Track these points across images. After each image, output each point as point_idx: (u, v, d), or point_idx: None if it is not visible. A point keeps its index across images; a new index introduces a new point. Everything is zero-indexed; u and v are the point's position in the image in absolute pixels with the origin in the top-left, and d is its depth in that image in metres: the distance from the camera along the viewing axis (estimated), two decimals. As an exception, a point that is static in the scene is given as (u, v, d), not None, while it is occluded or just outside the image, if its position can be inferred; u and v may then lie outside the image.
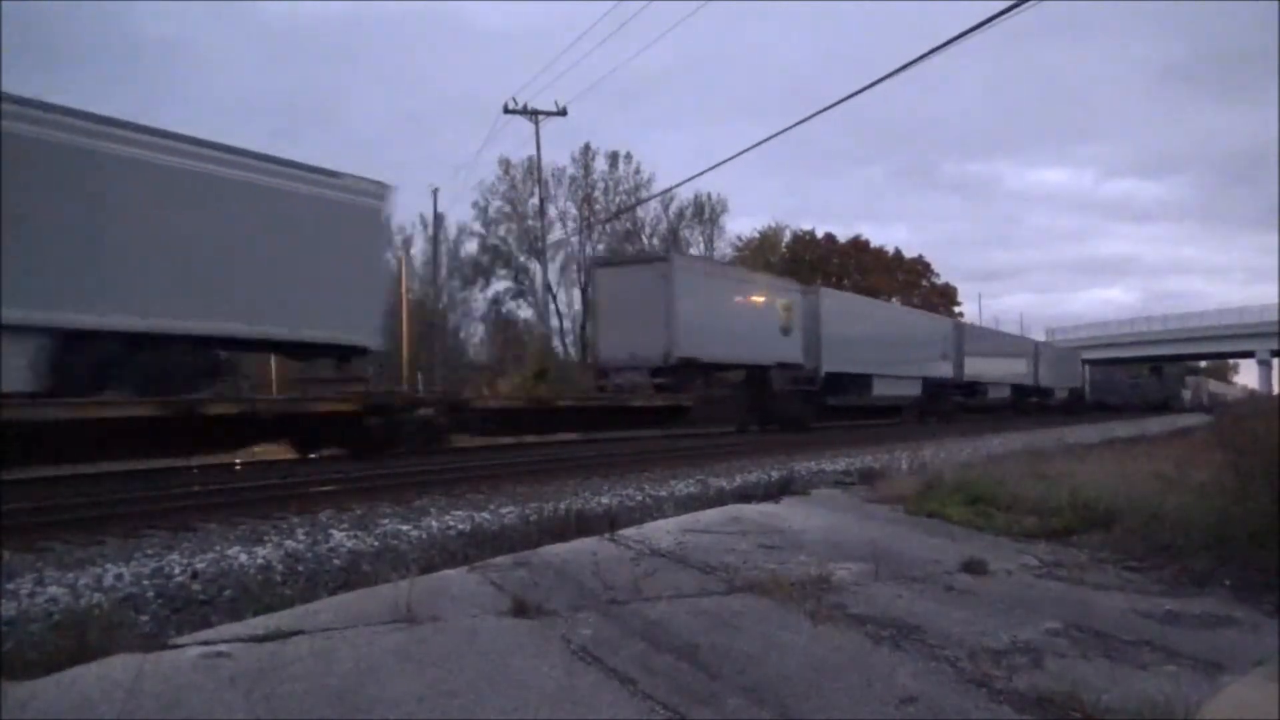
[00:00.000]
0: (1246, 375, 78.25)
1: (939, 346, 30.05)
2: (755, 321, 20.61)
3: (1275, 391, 48.19)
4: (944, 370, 30.29)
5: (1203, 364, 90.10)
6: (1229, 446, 6.59)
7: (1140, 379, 63.13)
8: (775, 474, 10.55)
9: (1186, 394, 67.00)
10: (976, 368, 32.61)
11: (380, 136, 70.98)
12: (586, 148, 44.79)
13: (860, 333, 24.87)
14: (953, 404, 30.98)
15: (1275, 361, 60.80)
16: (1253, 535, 4.79)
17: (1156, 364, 68.64)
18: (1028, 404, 39.13)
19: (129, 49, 75.01)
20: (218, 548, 5.64)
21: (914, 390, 28.18)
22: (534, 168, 35.02)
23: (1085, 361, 52.60)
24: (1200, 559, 4.90)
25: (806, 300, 22.97)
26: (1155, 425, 27.39)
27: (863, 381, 24.88)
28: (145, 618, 4.33)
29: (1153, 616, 3.91)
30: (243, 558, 5.39)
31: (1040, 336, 60.80)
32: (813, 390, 22.52)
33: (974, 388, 33.17)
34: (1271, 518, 4.72)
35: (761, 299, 21.18)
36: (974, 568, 4.74)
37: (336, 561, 5.54)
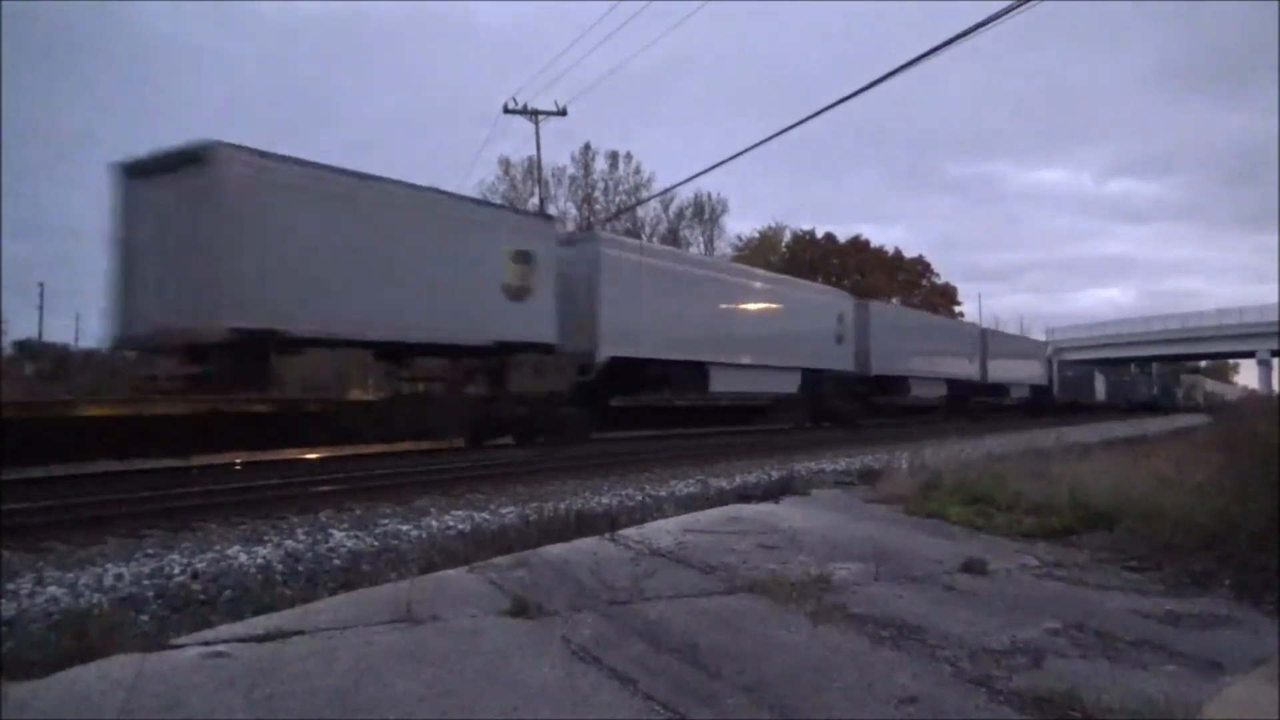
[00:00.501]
0: (1247, 375, 78.21)
1: (829, 328, 23.07)
2: (447, 278, 12.47)
3: (1275, 391, 47.74)
4: (839, 360, 23.39)
5: (1203, 364, 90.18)
6: (1228, 446, 6.59)
7: (1126, 377, 58.25)
8: (775, 474, 10.56)
9: (1178, 393, 63.50)
10: (890, 358, 25.78)
11: (380, 136, 71.09)
12: (586, 148, 45.01)
13: (682, 303, 17.57)
14: (855, 403, 24.39)
15: (1275, 361, 60.81)
16: (1253, 535, 4.79)
17: (1145, 361, 64.93)
18: (971, 404, 31.94)
19: (129, 49, 75.00)
20: (218, 548, 5.64)
21: (788, 386, 21.32)
22: (534, 167, 35.13)
23: (1057, 358, 45.69)
24: (1200, 559, 4.90)
25: (568, 251, 15.35)
26: (1151, 426, 27.07)
27: (690, 373, 17.62)
28: (145, 618, 4.33)
29: (1153, 616, 3.91)
30: (243, 558, 5.39)
31: (1040, 336, 60.33)
32: (588, 384, 15.49)
33: (888, 383, 26.18)
34: (1271, 518, 4.72)
35: (457, 242, 12.69)
36: (974, 568, 4.74)
37: (336, 561, 5.54)
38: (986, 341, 33.86)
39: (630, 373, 16.33)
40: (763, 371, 20.11)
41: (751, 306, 20.36)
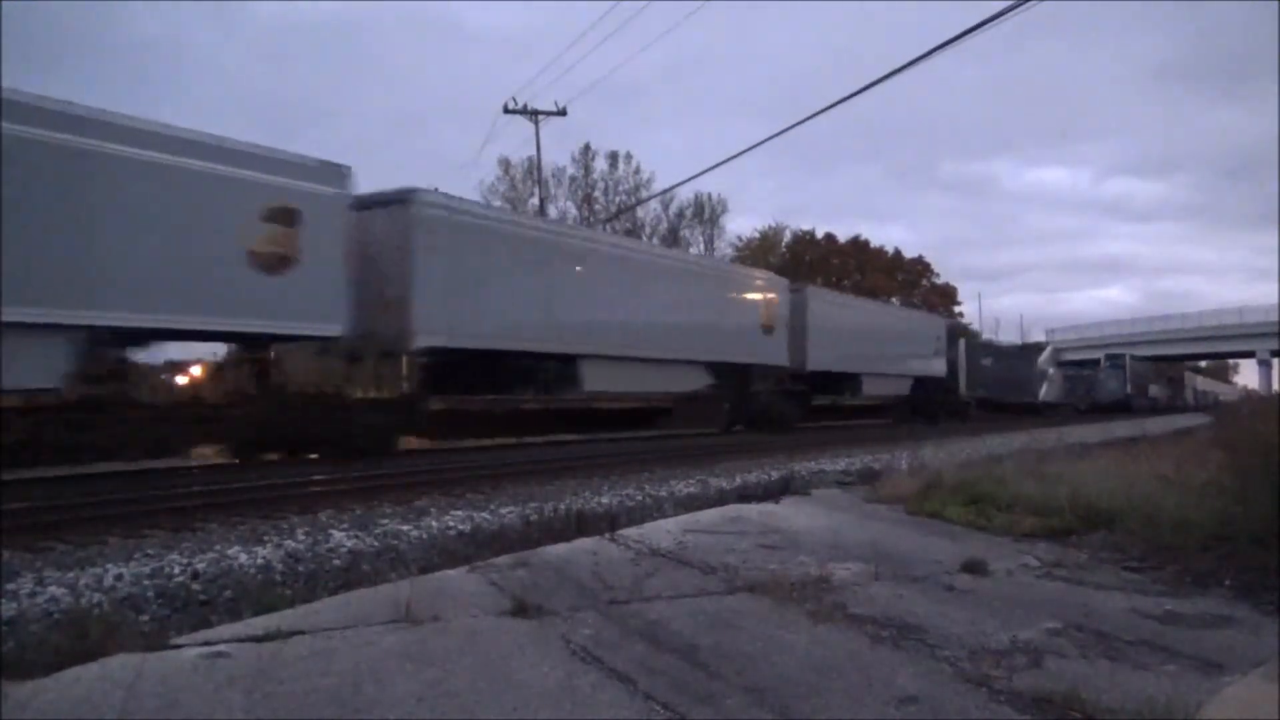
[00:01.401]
0: (1247, 375, 78.05)
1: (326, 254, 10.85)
2: None
3: (1275, 391, 47.18)
4: (313, 318, 11.06)
5: (1203, 364, 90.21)
6: (1228, 446, 6.59)
7: (1087, 371, 49.31)
8: (775, 474, 10.54)
9: (1153, 389, 54.23)
10: (508, 322, 13.45)
11: (380, 136, 71.13)
12: (586, 148, 45.04)
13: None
14: (393, 415, 12.57)
15: (1275, 361, 60.79)
16: (1253, 535, 4.79)
17: (1116, 355, 54.22)
18: (772, 405, 19.91)
19: (128, 49, 75.07)
20: (218, 548, 5.64)
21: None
22: (534, 168, 35.09)
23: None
24: (1200, 559, 4.90)
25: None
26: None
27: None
28: (145, 618, 4.33)
29: (1153, 616, 3.91)
30: (243, 558, 5.38)
31: (1040, 337, 59.36)
32: None
33: (523, 366, 14.22)
34: (1271, 518, 4.72)
35: None
36: (974, 568, 4.74)
37: (336, 561, 5.53)
38: (808, 307, 21.04)
39: None
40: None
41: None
